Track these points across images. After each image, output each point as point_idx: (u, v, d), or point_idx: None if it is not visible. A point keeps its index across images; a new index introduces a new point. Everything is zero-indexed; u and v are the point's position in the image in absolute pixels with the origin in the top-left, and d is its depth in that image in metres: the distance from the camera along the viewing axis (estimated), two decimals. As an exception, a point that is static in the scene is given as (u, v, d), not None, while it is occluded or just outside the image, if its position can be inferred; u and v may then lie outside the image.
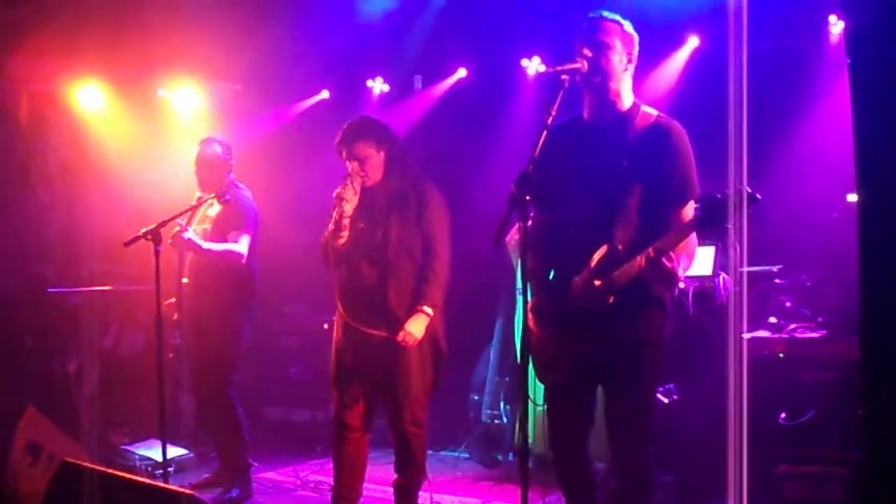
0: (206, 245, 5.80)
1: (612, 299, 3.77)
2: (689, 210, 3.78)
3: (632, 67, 3.97)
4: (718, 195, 3.54)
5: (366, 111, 8.08)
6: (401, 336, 4.94)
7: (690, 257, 3.84)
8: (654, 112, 3.96)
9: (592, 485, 4.22)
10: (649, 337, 3.91)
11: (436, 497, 5.47)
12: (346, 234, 5.00)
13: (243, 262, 5.93)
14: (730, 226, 3.55)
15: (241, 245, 5.91)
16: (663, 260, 3.60)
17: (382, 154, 5.06)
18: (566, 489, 4.18)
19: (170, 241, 5.57)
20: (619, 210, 3.83)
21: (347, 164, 5.04)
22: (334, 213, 4.96)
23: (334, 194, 4.96)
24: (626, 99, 3.97)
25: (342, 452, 5.19)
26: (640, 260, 3.66)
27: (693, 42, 7.01)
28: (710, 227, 3.61)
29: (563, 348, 3.95)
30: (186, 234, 5.69)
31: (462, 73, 8.14)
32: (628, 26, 3.97)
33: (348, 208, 4.98)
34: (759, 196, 3.46)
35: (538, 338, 4.04)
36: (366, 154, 5.01)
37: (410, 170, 5.18)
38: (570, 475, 4.16)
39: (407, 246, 5.03)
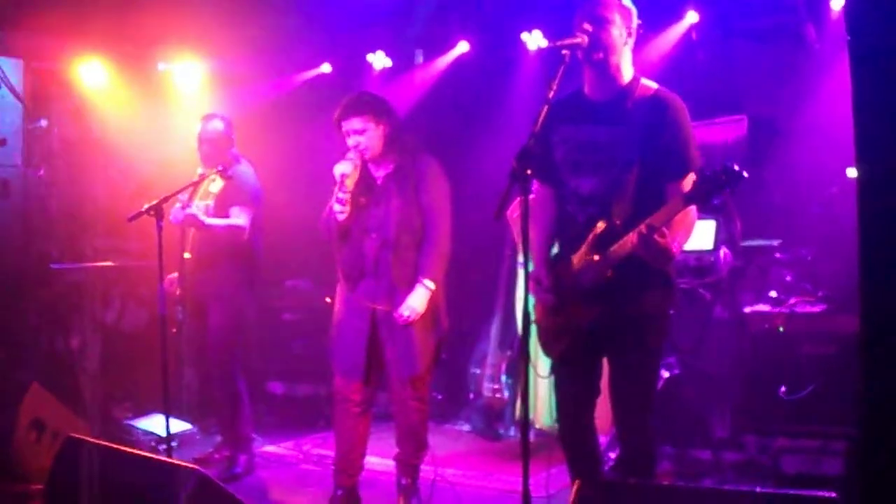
0: (209, 221, 5.82)
1: (610, 273, 3.79)
2: (688, 183, 3.75)
3: (631, 41, 3.97)
4: (708, 171, 3.54)
5: (367, 85, 8.08)
6: (402, 310, 4.96)
7: (688, 232, 3.84)
8: (654, 85, 3.96)
9: (598, 455, 4.25)
10: (650, 310, 3.93)
11: (438, 470, 5.49)
12: (347, 209, 5.00)
13: (245, 237, 5.96)
14: (718, 202, 3.56)
15: (243, 220, 5.93)
16: (655, 237, 3.60)
17: (382, 128, 5.04)
18: (571, 459, 4.20)
19: (171, 217, 5.59)
20: (618, 184, 3.84)
21: (347, 138, 5.04)
22: (336, 189, 4.96)
23: (335, 171, 4.95)
24: (627, 73, 3.98)
25: (343, 426, 5.22)
26: (632, 236, 3.67)
27: (692, 17, 6.97)
28: (700, 202, 3.61)
29: (566, 321, 3.98)
30: (189, 210, 5.71)
31: (464, 46, 8.08)
32: (626, 0, 3.97)
33: (349, 183, 4.97)
34: (745, 174, 3.46)
35: (541, 311, 4.07)
36: (365, 128, 5.00)
37: (409, 144, 5.17)
38: (576, 445, 4.18)
39: (407, 220, 5.02)
